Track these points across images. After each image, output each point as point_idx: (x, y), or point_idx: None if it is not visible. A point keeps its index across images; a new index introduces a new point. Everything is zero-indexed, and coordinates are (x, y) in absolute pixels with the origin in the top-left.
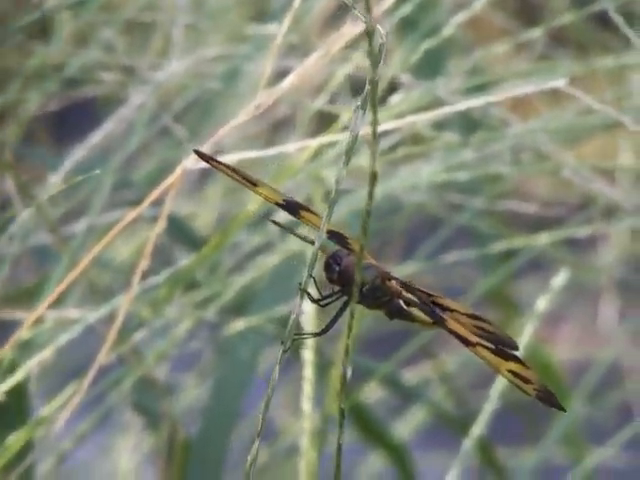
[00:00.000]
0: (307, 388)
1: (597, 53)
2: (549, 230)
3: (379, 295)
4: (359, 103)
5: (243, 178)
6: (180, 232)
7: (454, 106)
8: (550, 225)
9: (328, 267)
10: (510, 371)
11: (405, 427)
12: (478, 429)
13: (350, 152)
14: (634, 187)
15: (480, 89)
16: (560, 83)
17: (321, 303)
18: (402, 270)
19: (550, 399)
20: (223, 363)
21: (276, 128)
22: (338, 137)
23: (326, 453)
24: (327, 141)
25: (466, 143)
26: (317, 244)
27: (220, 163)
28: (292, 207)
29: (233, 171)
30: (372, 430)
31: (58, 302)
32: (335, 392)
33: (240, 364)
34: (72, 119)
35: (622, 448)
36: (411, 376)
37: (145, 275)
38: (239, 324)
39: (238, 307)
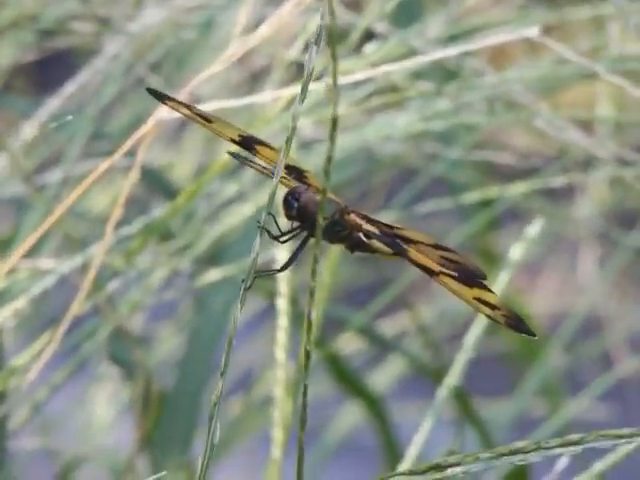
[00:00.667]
0: (281, 337)
1: (574, 3)
2: (525, 180)
3: (339, 229)
4: (312, 47)
5: (197, 115)
6: (156, 182)
7: (429, 55)
8: (526, 176)
9: (287, 203)
10: (476, 298)
11: (382, 378)
12: (453, 378)
13: (305, 92)
14: (611, 137)
15: (455, 39)
16: (533, 32)
17: (280, 239)
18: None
19: (519, 325)
20: (197, 314)
21: (255, 78)
22: (311, 86)
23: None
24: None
25: (441, 92)
26: (275, 179)
27: (173, 99)
28: (248, 142)
29: (187, 107)
30: (348, 381)
31: (33, 252)
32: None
33: (214, 315)
34: (49, 70)
35: (601, 399)
36: (388, 327)
37: (120, 225)
38: (213, 274)
39: (212, 257)
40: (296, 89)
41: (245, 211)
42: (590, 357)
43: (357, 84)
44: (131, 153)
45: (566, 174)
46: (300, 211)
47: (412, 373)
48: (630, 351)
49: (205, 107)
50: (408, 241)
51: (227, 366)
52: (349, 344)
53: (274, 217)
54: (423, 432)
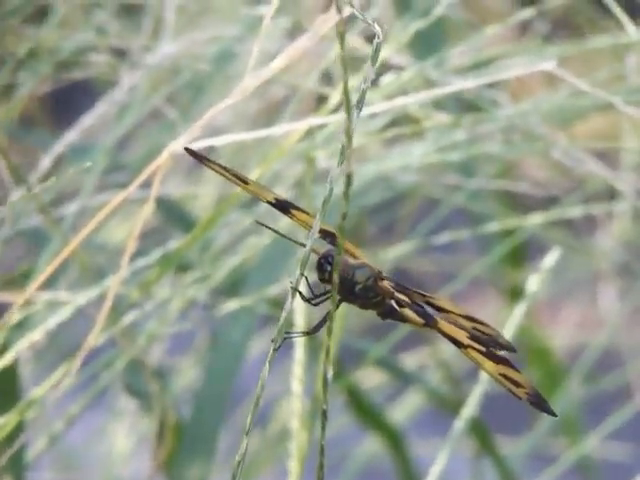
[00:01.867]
0: (297, 370)
1: (593, 34)
2: (544, 211)
3: (371, 295)
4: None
5: (234, 176)
6: (173, 214)
7: (445, 87)
8: (546, 207)
9: (320, 267)
10: (502, 374)
11: (401, 412)
12: (470, 410)
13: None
14: (632, 169)
15: (474, 70)
16: (550, 65)
17: (313, 302)
18: (399, 250)
19: (541, 403)
20: (215, 345)
21: (274, 109)
22: (328, 118)
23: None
24: (317, 122)
25: (458, 124)
26: (309, 244)
27: (211, 161)
28: (283, 206)
29: (224, 169)
30: (368, 414)
31: (49, 284)
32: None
33: (232, 345)
34: (67, 102)
35: (621, 432)
36: (407, 361)
37: (138, 257)
38: (231, 305)
39: (230, 288)
40: (311, 121)
41: (262, 242)
42: (611, 390)
43: (375, 115)
44: (147, 185)
45: (586, 205)
46: (332, 275)
47: (431, 407)
48: None
49: (221, 140)
50: (439, 309)
51: (251, 425)
52: (369, 377)
53: (307, 279)
54: (440, 465)
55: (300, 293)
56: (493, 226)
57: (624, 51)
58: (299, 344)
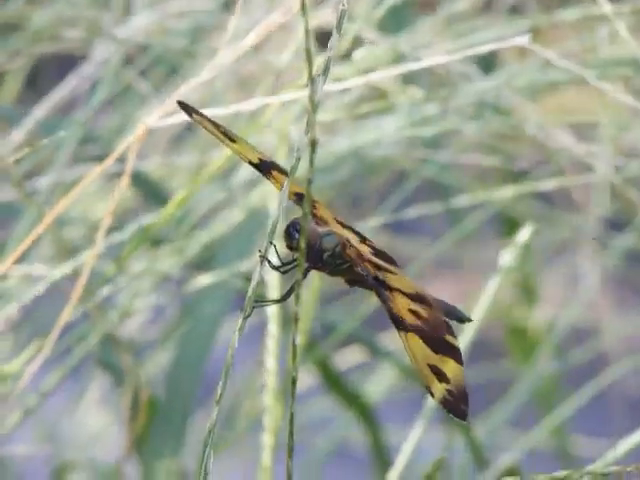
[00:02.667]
0: (270, 344)
1: (564, 6)
2: (516, 184)
3: (339, 262)
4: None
5: (223, 133)
6: (147, 189)
7: (417, 62)
8: (518, 180)
9: (288, 235)
10: (431, 365)
11: (375, 388)
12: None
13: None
14: (604, 143)
15: (444, 43)
16: (523, 40)
17: (281, 270)
18: (369, 224)
19: (456, 405)
20: (188, 320)
21: (245, 83)
22: (299, 93)
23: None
24: (289, 98)
25: (430, 98)
26: (280, 206)
27: (202, 115)
28: (265, 166)
29: (214, 125)
30: (341, 391)
31: (24, 258)
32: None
33: (205, 321)
34: (39, 76)
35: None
36: (384, 340)
37: (112, 231)
38: (203, 279)
39: (202, 263)
40: (284, 97)
41: (234, 217)
42: (586, 362)
43: (347, 89)
44: (121, 159)
45: (558, 178)
46: (300, 243)
47: (404, 384)
48: (627, 355)
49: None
50: (390, 288)
51: (222, 396)
52: (344, 355)
53: (275, 247)
54: (412, 440)
55: (268, 261)
56: (464, 199)
57: (595, 23)
58: (272, 318)
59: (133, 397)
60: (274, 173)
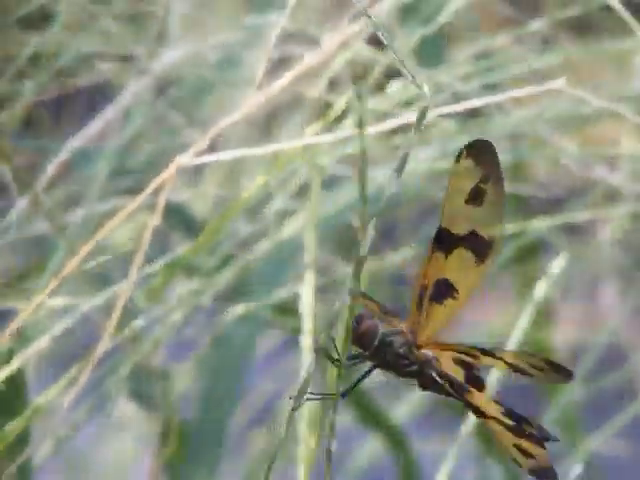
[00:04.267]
0: (305, 372)
1: (599, 37)
2: (548, 214)
3: (406, 363)
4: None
5: None
6: (178, 219)
7: (461, 103)
8: (550, 211)
9: (352, 328)
10: (516, 445)
11: (403, 410)
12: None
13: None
14: (634, 173)
15: (480, 77)
16: (559, 84)
17: (338, 365)
18: (400, 255)
19: (545, 474)
20: (220, 348)
21: (276, 113)
22: (335, 133)
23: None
24: (324, 139)
25: (464, 129)
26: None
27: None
28: None
29: None
30: (369, 413)
31: (56, 290)
32: (332, 378)
33: (236, 348)
34: (71, 109)
35: (623, 432)
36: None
37: (142, 262)
38: (236, 309)
39: (234, 293)
40: (317, 128)
41: (265, 248)
42: (612, 390)
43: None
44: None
45: (591, 209)
46: (361, 337)
47: (432, 407)
48: None
49: (227, 154)
50: (495, 356)
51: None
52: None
53: (333, 340)
54: (446, 467)
55: (327, 355)
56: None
57: (630, 54)
58: (306, 349)
59: (164, 425)
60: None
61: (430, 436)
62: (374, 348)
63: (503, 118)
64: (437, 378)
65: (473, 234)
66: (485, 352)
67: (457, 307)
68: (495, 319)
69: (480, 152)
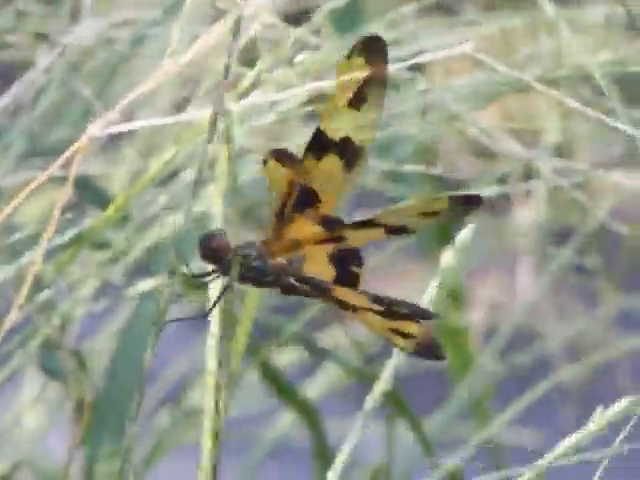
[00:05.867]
0: (211, 344)
1: (510, 9)
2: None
3: (261, 275)
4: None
5: None
6: (88, 192)
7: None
8: (462, 186)
9: (200, 244)
10: (391, 329)
11: (316, 388)
12: (384, 383)
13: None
14: (548, 149)
15: (390, 48)
16: (467, 48)
17: (195, 282)
18: None
19: (430, 349)
20: (128, 323)
21: (188, 85)
22: (241, 102)
23: (236, 411)
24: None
25: None
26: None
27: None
28: None
29: None
30: (283, 390)
31: None
32: (238, 351)
33: (144, 322)
34: None
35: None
36: (323, 339)
37: (53, 236)
38: (145, 284)
39: (144, 267)
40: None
41: (176, 221)
42: (524, 369)
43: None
44: (65, 165)
45: (501, 185)
46: (211, 253)
47: (344, 384)
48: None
49: (137, 124)
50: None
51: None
52: (284, 354)
53: (186, 260)
54: (353, 438)
55: (183, 272)
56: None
57: (540, 29)
58: (214, 320)
59: (77, 401)
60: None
61: (341, 413)
62: (226, 263)
63: (415, 92)
64: (296, 283)
65: (346, 140)
66: (358, 225)
67: (317, 215)
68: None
69: (371, 50)
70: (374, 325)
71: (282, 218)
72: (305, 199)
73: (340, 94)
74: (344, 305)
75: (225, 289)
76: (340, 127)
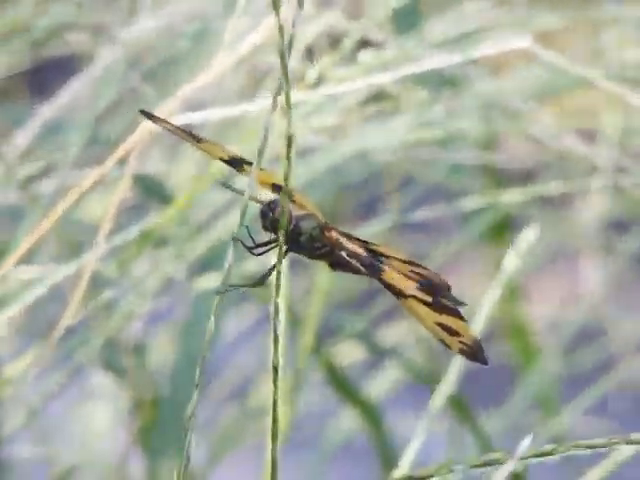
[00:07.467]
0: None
1: (573, 6)
2: (523, 186)
3: (318, 246)
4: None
5: (188, 134)
6: (150, 190)
7: (421, 64)
8: (525, 183)
9: (262, 214)
10: (439, 323)
11: (379, 387)
12: (448, 385)
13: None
14: (612, 146)
15: (452, 44)
16: (525, 42)
17: (255, 251)
18: (378, 226)
19: (475, 353)
20: (191, 320)
21: (257, 85)
22: (306, 95)
23: (300, 412)
24: (295, 99)
25: (436, 100)
26: (248, 191)
27: (164, 121)
28: (236, 162)
29: (178, 129)
30: (345, 389)
31: (27, 261)
32: (305, 350)
33: (207, 321)
34: (44, 79)
35: (602, 404)
36: (387, 335)
37: (116, 233)
38: (207, 281)
39: (207, 264)
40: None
41: (238, 219)
42: (590, 365)
43: (351, 91)
44: (125, 161)
45: (565, 181)
46: (275, 223)
47: (409, 382)
48: (634, 356)
49: (198, 116)
50: (384, 256)
51: (201, 383)
52: (347, 352)
53: (249, 230)
54: (418, 438)
55: (242, 242)
56: (471, 202)
57: (603, 25)
58: (279, 318)
59: (137, 397)
60: (246, 167)
61: (406, 411)
62: (289, 233)
63: (476, 88)
64: (348, 258)
65: None
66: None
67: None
68: (467, 292)
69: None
70: (421, 315)
71: None
72: None
73: None
74: (393, 290)
75: (282, 257)
76: None
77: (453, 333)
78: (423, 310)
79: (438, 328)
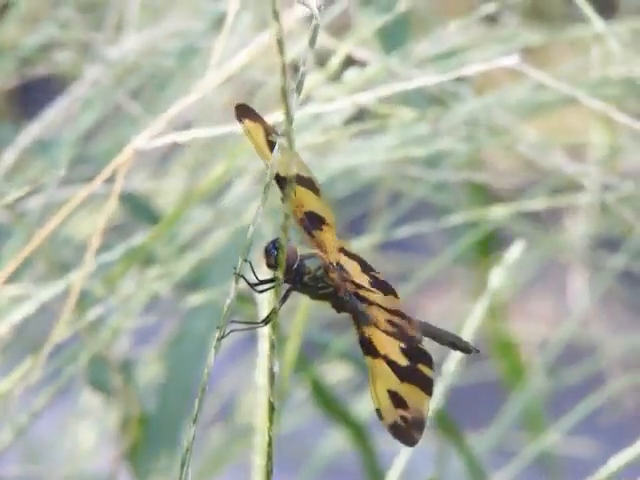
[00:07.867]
0: (261, 362)
1: (559, 27)
2: (509, 203)
3: (322, 286)
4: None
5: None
6: (136, 209)
7: (408, 82)
8: (512, 199)
9: (267, 252)
10: (391, 392)
11: (366, 405)
12: (434, 403)
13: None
14: (598, 162)
15: (437, 63)
16: (512, 60)
17: (257, 288)
18: (364, 243)
19: (408, 430)
20: (179, 338)
21: (246, 99)
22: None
23: (286, 428)
24: (280, 118)
25: (422, 117)
26: (252, 227)
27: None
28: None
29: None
30: (332, 408)
31: (14, 279)
32: (289, 367)
33: (195, 339)
34: (30, 97)
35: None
36: None
37: (103, 251)
38: (195, 299)
39: (193, 282)
40: (277, 116)
41: (224, 237)
42: (578, 381)
43: (338, 110)
44: (113, 180)
45: (550, 197)
46: (279, 262)
47: None
48: (622, 371)
49: (184, 135)
50: (370, 302)
51: (198, 414)
52: (333, 371)
53: (252, 265)
54: (404, 457)
55: (244, 278)
56: (456, 218)
57: (590, 44)
58: (264, 336)
59: (124, 414)
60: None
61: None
62: (293, 272)
63: (461, 106)
64: (344, 296)
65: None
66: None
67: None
68: (453, 309)
69: (247, 113)
70: (378, 376)
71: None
72: (312, 222)
73: (261, 150)
74: (368, 346)
75: (286, 297)
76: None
77: (399, 404)
78: (386, 372)
79: (385, 395)
